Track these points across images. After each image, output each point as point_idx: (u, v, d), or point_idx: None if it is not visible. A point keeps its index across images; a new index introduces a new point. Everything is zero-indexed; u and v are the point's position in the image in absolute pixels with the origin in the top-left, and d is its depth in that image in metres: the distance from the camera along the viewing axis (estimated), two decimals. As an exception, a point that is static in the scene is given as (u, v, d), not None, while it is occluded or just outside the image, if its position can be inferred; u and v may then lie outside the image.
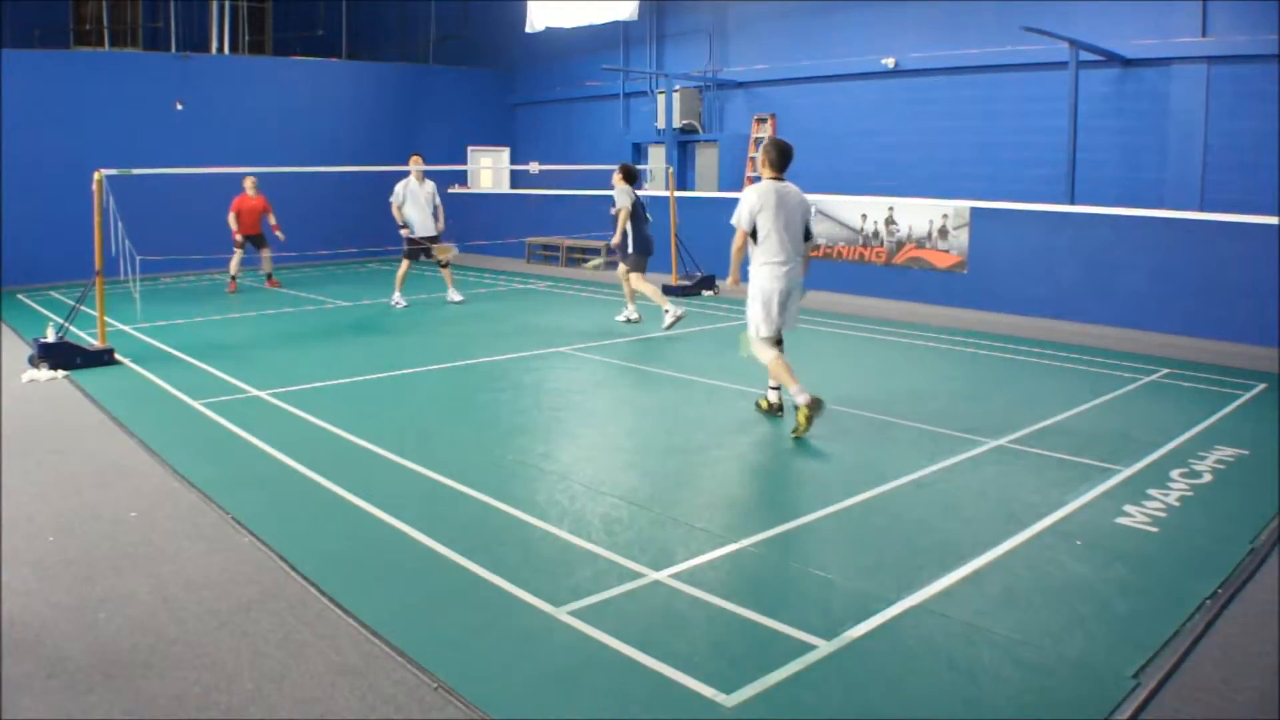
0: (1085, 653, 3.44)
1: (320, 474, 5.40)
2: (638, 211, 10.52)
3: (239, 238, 13.72)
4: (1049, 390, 7.63)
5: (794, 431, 6.11)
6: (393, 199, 11.64)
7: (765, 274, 6.25)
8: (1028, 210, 11.56)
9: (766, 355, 6.38)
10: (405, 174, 11.85)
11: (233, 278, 13.98)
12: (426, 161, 12.18)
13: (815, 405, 6.03)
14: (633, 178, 10.65)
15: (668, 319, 10.14)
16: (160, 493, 5.18)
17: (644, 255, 10.66)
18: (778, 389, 6.66)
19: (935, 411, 6.87)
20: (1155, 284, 10.36)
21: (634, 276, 10.58)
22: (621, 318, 10.91)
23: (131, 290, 10.71)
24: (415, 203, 11.69)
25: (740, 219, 6.23)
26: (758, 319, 6.34)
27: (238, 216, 13.63)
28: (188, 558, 4.30)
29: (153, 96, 16.17)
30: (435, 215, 11.87)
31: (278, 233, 13.87)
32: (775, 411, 6.66)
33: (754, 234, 6.20)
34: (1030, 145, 12.77)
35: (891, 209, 12.67)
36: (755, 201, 6.16)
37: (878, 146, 14.45)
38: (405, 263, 12.03)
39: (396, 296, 12.12)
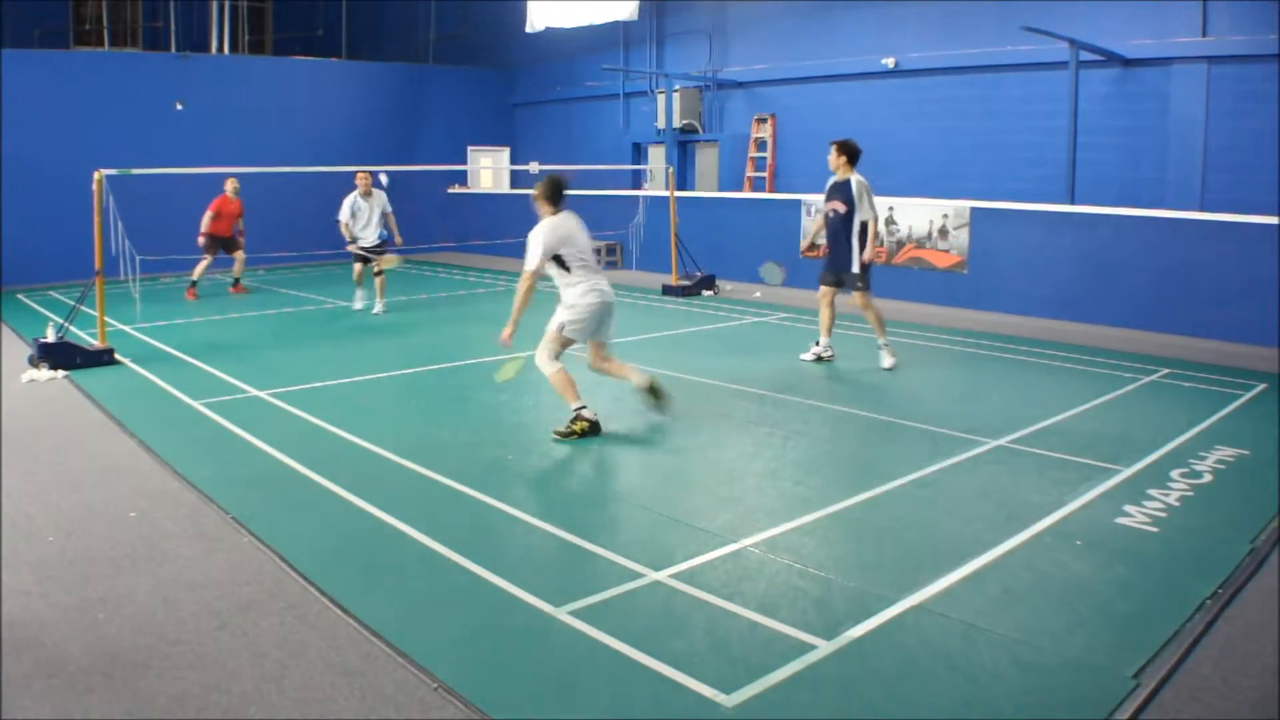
0: (1085, 653, 3.44)
1: (320, 474, 5.40)
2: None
3: (203, 241, 13.05)
4: (1049, 390, 7.63)
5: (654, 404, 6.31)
6: (340, 215, 11.71)
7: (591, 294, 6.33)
8: (1028, 210, 11.57)
9: (551, 368, 6.23)
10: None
11: (194, 283, 13.25)
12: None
13: (653, 389, 6.26)
14: (856, 157, 8.34)
15: (887, 359, 8.30)
16: (160, 493, 5.18)
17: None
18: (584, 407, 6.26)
19: (935, 411, 6.87)
20: (1155, 284, 10.37)
21: (860, 298, 8.30)
22: (886, 363, 8.31)
23: (131, 290, 10.72)
24: (361, 217, 11.82)
25: (535, 258, 6.22)
26: (575, 330, 6.35)
27: (215, 218, 13.03)
28: (188, 558, 4.30)
29: (153, 96, 16.17)
30: (386, 225, 11.96)
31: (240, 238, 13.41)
32: (592, 430, 6.20)
33: (565, 266, 6.33)
34: (1030, 145, 12.77)
35: (891, 209, 12.66)
36: (553, 238, 6.20)
37: (877, 146, 14.41)
38: (357, 266, 12.21)
39: (358, 294, 12.26)
